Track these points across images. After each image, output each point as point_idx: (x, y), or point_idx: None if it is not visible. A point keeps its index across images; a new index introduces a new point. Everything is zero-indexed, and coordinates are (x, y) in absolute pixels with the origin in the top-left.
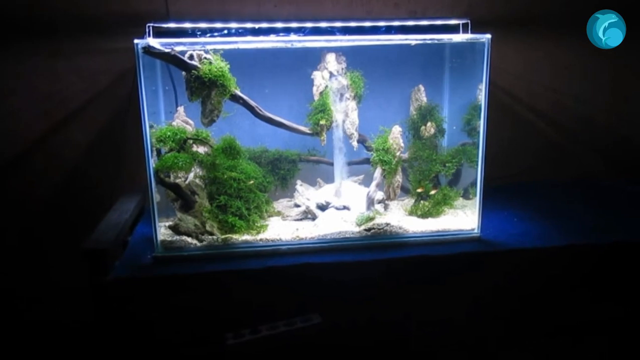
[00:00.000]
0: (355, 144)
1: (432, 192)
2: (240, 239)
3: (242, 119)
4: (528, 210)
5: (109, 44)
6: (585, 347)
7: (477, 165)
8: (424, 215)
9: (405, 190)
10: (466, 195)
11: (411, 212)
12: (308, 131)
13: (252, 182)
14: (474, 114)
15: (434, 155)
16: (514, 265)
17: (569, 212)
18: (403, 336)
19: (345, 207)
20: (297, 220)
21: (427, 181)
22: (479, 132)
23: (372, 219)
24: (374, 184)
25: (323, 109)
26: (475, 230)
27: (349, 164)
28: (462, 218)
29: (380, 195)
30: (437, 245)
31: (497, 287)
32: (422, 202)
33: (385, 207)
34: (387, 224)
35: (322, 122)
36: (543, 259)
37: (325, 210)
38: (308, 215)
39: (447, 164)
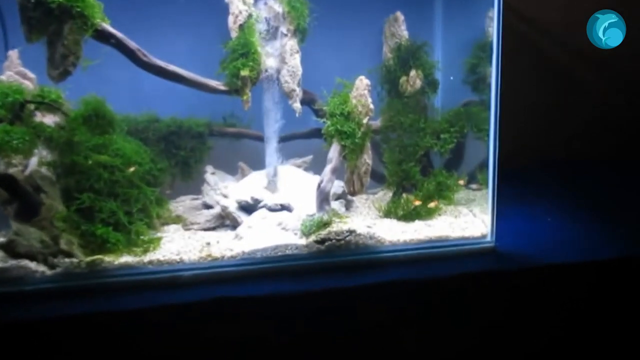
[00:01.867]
0: (297, 105)
1: (432, 204)
2: (116, 262)
3: (115, 70)
4: (562, 204)
5: None
6: None
7: (488, 136)
8: (409, 216)
9: (377, 179)
10: (472, 184)
11: (388, 212)
12: (222, 88)
13: (132, 169)
14: (481, 56)
15: (421, 122)
16: (547, 289)
17: (619, 207)
18: None
19: (283, 207)
20: (208, 229)
21: (413, 163)
22: (490, 85)
23: (326, 224)
24: (328, 169)
25: (245, 52)
26: (488, 238)
27: (289, 138)
28: (467, 219)
29: (338, 186)
30: (430, 262)
31: (522, 322)
32: (405, 195)
33: (348, 206)
34: (351, 232)
35: (244, 72)
36: (589, 279)
37: (253, 213)
38: (225, 222)
39: (442, 136)
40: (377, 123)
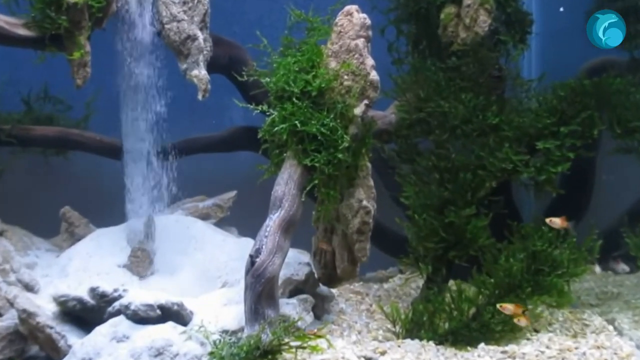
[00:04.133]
0: (200, 74)
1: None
2: None
3: None
4: None
5: None
6: None
7: None
8: (466, 332)
9: (388, 244)
10: (614, 258)
11: (417, 325)
12: (22, 32)
13: None
14: None
15: (492, 113)
16: None
17: None
18: None
19: (167, 313)
20: None
21: (472, 208)
22: None
23: (270, 354)
24: (275, 223)
25: None
26: None
27: (185, 150)
28: (603, 339)
29: (298, 264)
30: None
31: None
32: (455, 284)
33: (322, 309)
34: None
35: None
36: None
37: (96, 328)
38: (29, 347)
39: (540, 144)
40: (387, 115)
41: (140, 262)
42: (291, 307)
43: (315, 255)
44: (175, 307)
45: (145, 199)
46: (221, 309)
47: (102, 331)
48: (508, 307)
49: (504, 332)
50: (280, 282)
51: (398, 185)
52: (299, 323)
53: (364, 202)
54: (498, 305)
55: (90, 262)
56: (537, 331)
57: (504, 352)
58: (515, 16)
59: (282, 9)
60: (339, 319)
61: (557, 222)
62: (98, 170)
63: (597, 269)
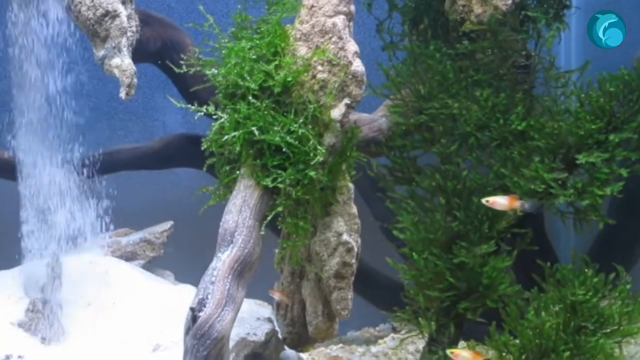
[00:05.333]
0: (121, 63)
1: None
2: None
3: None
4: None
5: None
6: None
7: None
8: None
9: (377, 294)
10: None
11: None
12: None
13: None
14: None
15: (516, 115)
16: None
17: None
18: None
19: None
20: None
21: (492, 244)
22: None
23: None
24: (224, 265)
25: None
26: None
27: (104, 167)
28: None
29: (256, 318)
30: None
31: None
32: (466, 348)
33: None
34: None
35: None
36: None
37: None
38: None
39: (581, 158)
40: (376, 119)
41: (42, 318)
42: None
43: (280, 308)
44: None
45: (47, 232)
46: None
47: None
48: (462, 355)
49: None
50: (231, 344)
51: (390, 213)
52: None
53: (344, 237)
54: (449, 351)
55: None
56: None
57: None
58: None
59: None
60: None
61: (501, 202)
62: None
63: None
